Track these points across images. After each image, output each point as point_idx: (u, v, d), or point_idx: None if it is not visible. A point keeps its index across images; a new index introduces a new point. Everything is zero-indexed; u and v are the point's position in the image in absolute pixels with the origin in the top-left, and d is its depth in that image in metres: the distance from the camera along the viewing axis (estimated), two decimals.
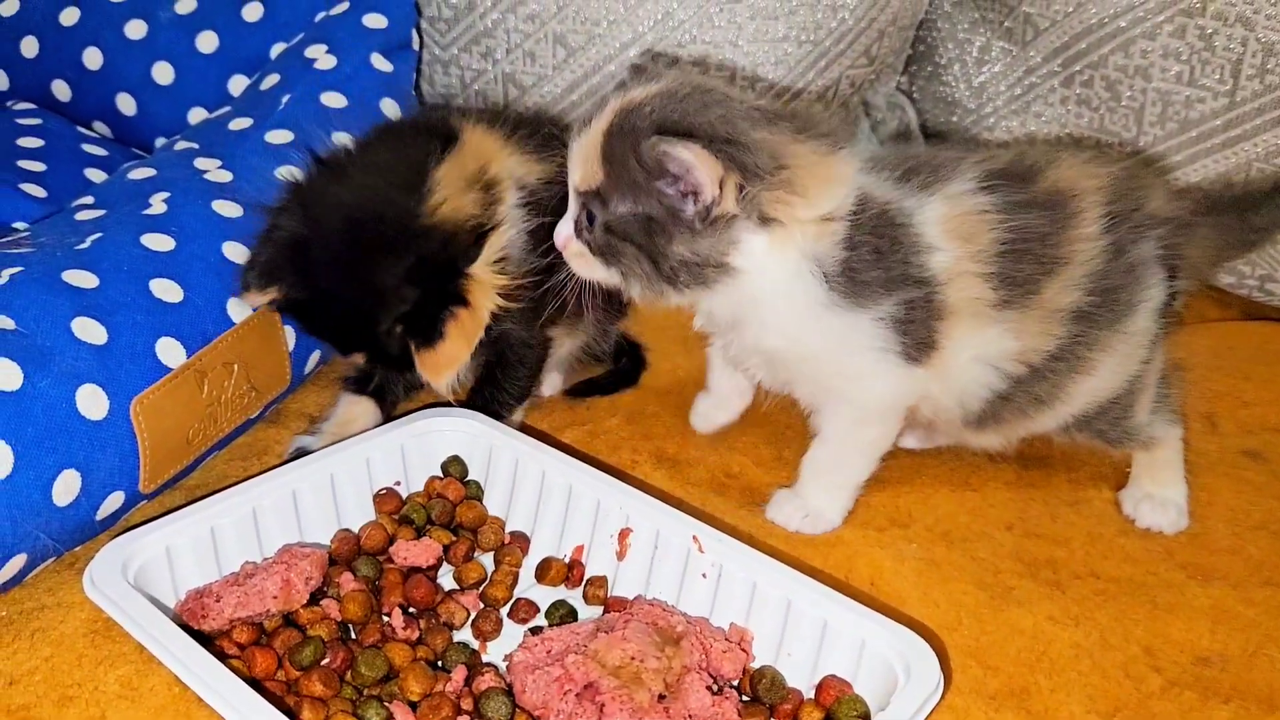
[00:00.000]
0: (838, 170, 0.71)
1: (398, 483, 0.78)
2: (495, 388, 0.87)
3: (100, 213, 0.77)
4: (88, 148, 0.98)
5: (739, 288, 0.72)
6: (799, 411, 0.95)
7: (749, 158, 0.68)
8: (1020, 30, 1.21)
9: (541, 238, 0.79)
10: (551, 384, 0.96)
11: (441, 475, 0.79)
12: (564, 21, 1.11)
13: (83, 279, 0.69)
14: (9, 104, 1.06)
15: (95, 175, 0.93)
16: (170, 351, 0.69)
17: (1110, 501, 0.88)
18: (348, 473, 0.75)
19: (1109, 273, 0.76)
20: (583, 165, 0.71)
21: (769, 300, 0.72)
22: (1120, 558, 0.81)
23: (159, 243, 0.74)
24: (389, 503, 0.76)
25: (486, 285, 0.74)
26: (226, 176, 0.83)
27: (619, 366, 1.01)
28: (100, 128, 1.07)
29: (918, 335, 0.73)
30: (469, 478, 0.80)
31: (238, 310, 0.75)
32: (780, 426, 0.95)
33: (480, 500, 0.79)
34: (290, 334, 0.79)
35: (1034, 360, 0.76)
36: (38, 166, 0.91)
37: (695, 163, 0.66)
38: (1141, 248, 0.78)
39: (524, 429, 0.90)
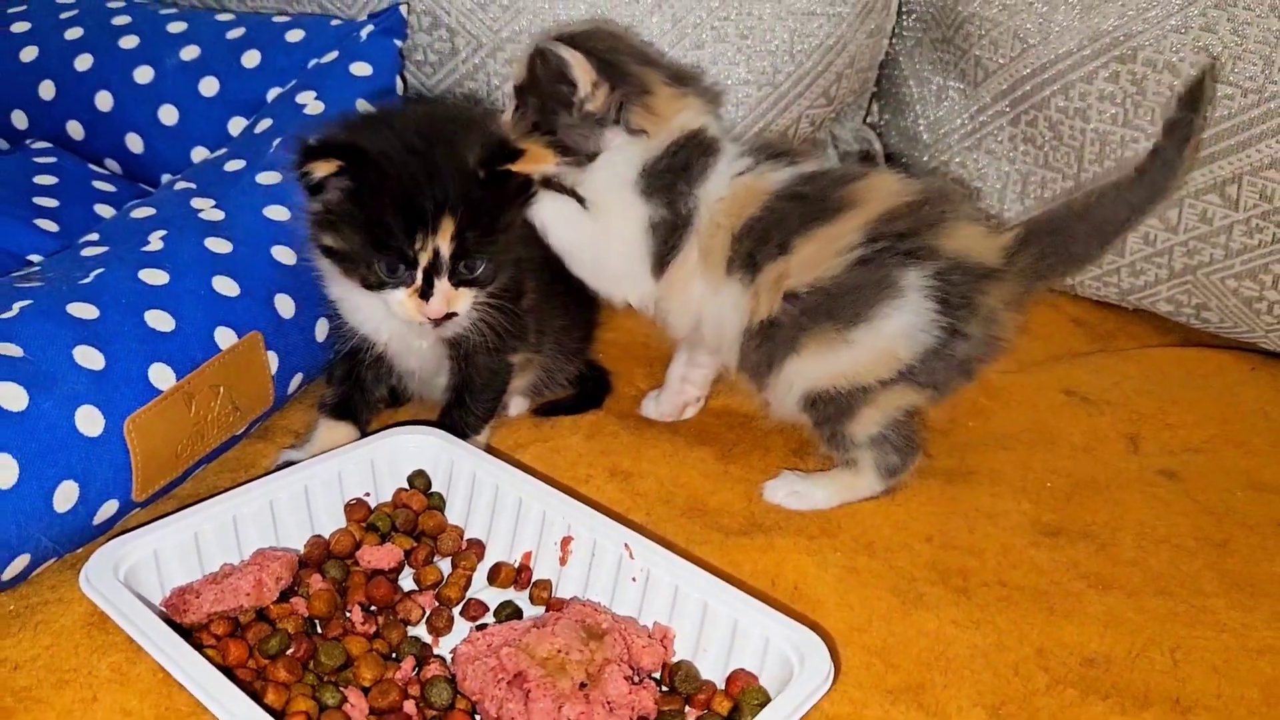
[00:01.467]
0: (686, 106, 0.94)
1: (367, 493, 0.86)
2: (463, 410, 0.95)
3: (104, 249, 0.85)
4: (98, 184, 1.07)
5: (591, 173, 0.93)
6: (748, 429, 1.04)
7: (619, 76, 0.92)
8: (972, 72, 1.28)
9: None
10: (518, 406, 1.04)
11: (408, 487, 0.88)
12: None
13: (85, 311, 0.77)
14: (28, 142, 1.15)
15: (104, 211, 1.02)
16: (161, 375, 0.77)
17: (1026, 514, 0.95)
18: (321, 484, 0.83)
19: (846, 281, 0.87)
20: (516, 69, 0.96)
21: (603, 180, 0.93)
22: (1028, 568, 0.89)
23: (155, 277, 0.83)
24: (358, 511, 0.85)
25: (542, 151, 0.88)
26: (219, 215, 0.91)
27: (583, 389, 1.09)
28: (111, 165, 1.16)
29: (659, 252, 0.93)
30: (432, 489, 0.88)
31: (224, 338, 0.83)
32: (728, 443, 1.03)
33: (441, 510, 0.87)
34: (274, 358, 0.88)
35: (753, 321, 0.90)
36: (51, 203, 1.00)
37: (573, 63, 0.90)
38: (905, 274, 0.86)
39: (490, 447, 0.98)
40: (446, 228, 0.81)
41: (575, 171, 0.94)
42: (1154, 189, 0.95)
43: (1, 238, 0.95)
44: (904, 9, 1.34)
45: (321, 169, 0.80)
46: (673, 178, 0.92)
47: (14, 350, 0.72)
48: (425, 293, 0.82)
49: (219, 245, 0.88)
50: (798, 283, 0.88)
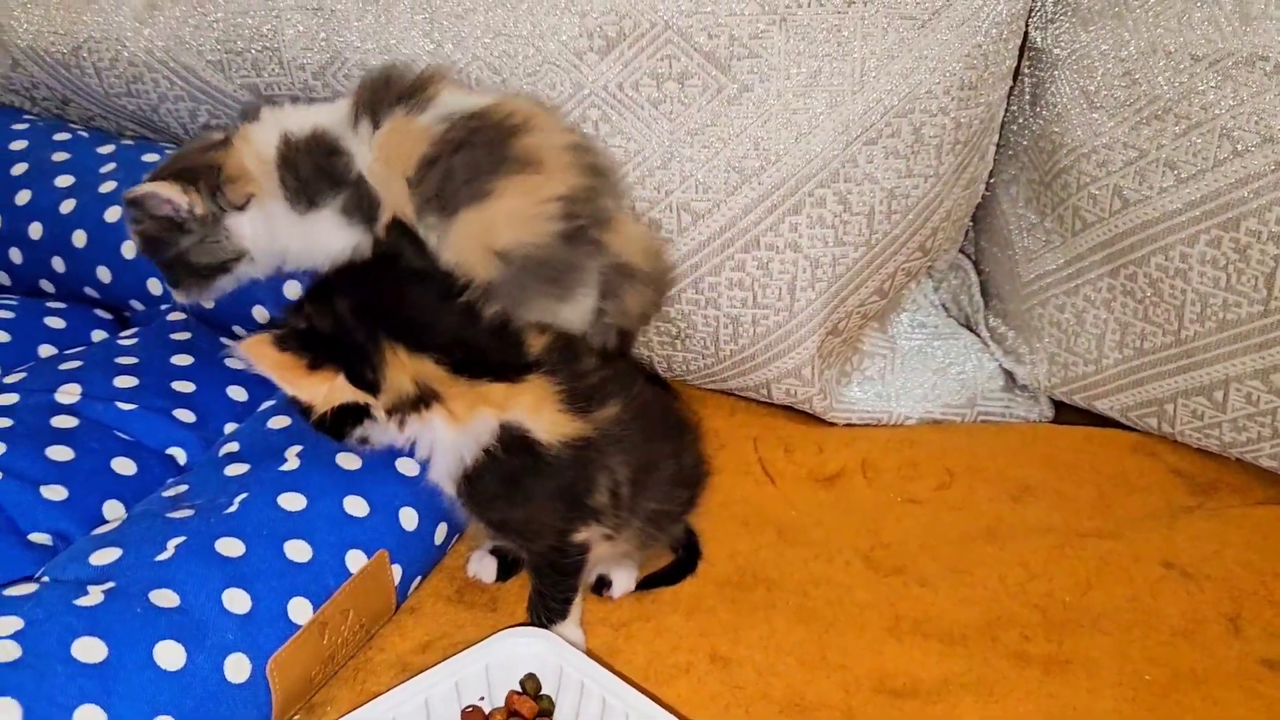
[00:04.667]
0: (254, 143, 1.03)
1: (482, 698, 0.92)
2: (540, 599, 0.99)
3: (245, 467, 0.92)
4: (230, 362, 1.14)
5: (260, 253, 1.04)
6: (844, 604, 1.07)
7: (190, 174, 1.01)
8: (1070, 219, 1.29)
9: None
10: (622, 585, 1.08)
11: (520, 689, 0.93)
12: (687, 191, 1.21)
13: (232, 547, 0.84)
14: (163, 309, 1.23)
15: (237, 393, 1.09)
16: (299, 610, 0.84)
17: (1124, 715, 0.96)
18: (440, 695, 0.89)
19: (558, 253, 0.97)
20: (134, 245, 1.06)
21: (274, 238, 1.03)
22: None
23: (293, 502, 0.89)
24: (473, 719, 0.90)
25: None
26: None
27: (678, 556, 1.12)
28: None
29: (370, 220, 1.00)
30: (543, 692, 0.93)
31: (354, 561, 0.89)
32: (825, 622, 1.06)
33: (550, 715, 0.92)
34: (397, 570, 0.94)
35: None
36: (188, 387, 1.07)
37: (155, 190, 1.00)
38: (591, 261, 1.00)
39: (583, 646, 1.02)
40: None
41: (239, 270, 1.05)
42: None
43: (145, 435, 1.02)
44: (1002, 144, 1.34)
45: None
46: (317, 176, 1.01)
47: (171, 599, 0.79)
48: None
49: (349, 462, 0.94)
50: (510, 242, 0.97)
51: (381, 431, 0.86)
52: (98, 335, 1.23)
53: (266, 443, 0.95)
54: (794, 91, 1.18)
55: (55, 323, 1.20)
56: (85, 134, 1.37)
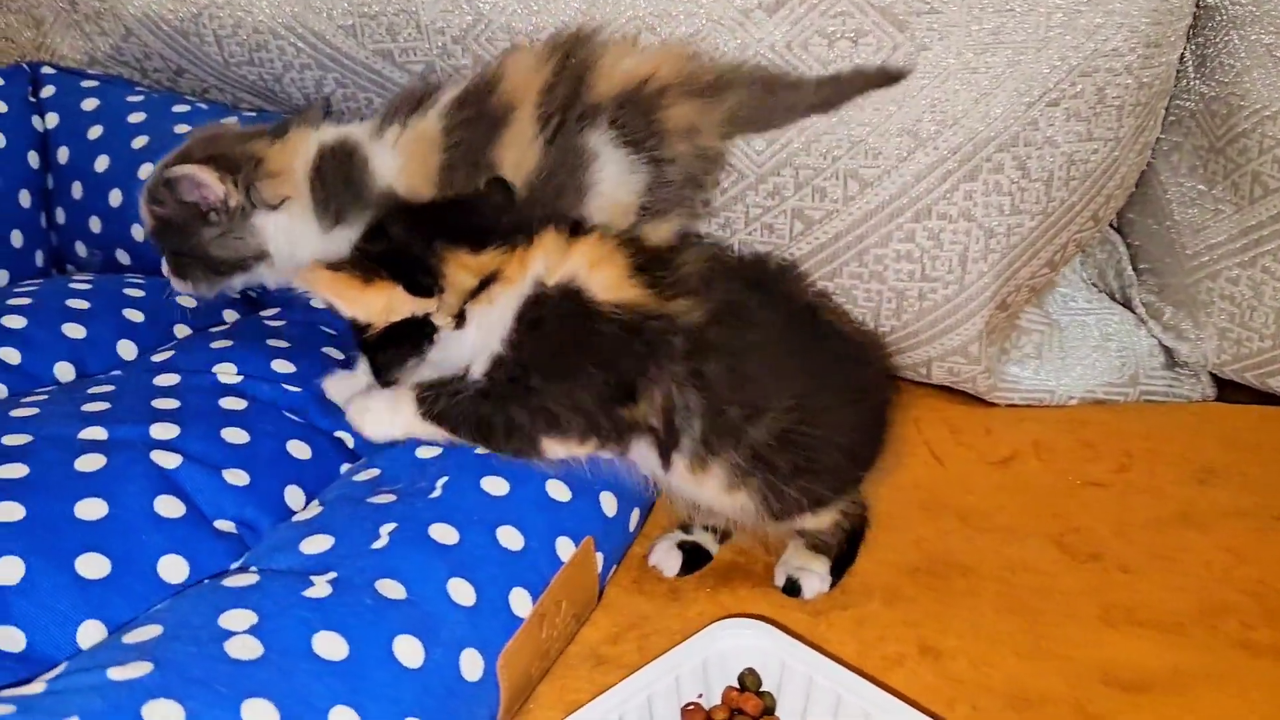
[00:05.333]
0: (298, 143, 0.96)
1: (700, 695, 0.85)
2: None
3: (436, 450, 0.86)
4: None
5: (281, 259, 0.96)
6: (1052, 595, 1.00)
7: (230, 163, 0.93)
8: (1247, 187, 1.22)
9: None
10: (812, 586, 1.00)
11: (739, 686, 0.86)
12: (855, 157, 1.15)
13: (446, 534, 0.78)
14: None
15: None
16: (520, 601, 0.77)
17: None
18: (661, 691, 0.82)
19: (549, 165, 0.91)
20: (143, 207, 0.97)
21: (296, 250, 0.95)
22: None
23: (496, 486, 0.83)
24: (695, 717, 0.84)
25: None
26: None
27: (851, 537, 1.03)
28: None
29: None
30: (763, 689, 0.87)
31: (564, 548, 0.83)
32: (1035, 612, 0.99)
33: (773, 712, 0.86)
34: (600, 559, 0.87)
35: None
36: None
37: (194, 173, 0.91)
38: (587, 138, 0.92)
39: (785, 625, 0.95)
40: None
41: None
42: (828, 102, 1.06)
43: (314, 416, 0.96)
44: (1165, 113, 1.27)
45: None
46: (344, 189, 0.94)
47: (398, 590, 0.72)
48: None
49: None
50: (522, 190, 0.91)
51: (432, 354, 0.83)
52: (230, 315, 1.17)
53: None
54: (974, 49, 1.11)
55: (187, 301, 1.13)
56: (204, 106, 1.31)
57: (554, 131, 0.92)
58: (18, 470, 0.79)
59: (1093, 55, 1.11)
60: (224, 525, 0.82)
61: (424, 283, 0.80)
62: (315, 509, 0.80)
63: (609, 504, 0.88)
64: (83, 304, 1.07)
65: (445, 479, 0.82)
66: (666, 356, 0.80)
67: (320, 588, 0.70)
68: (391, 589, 0.72)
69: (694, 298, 0.82)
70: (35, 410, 0.88)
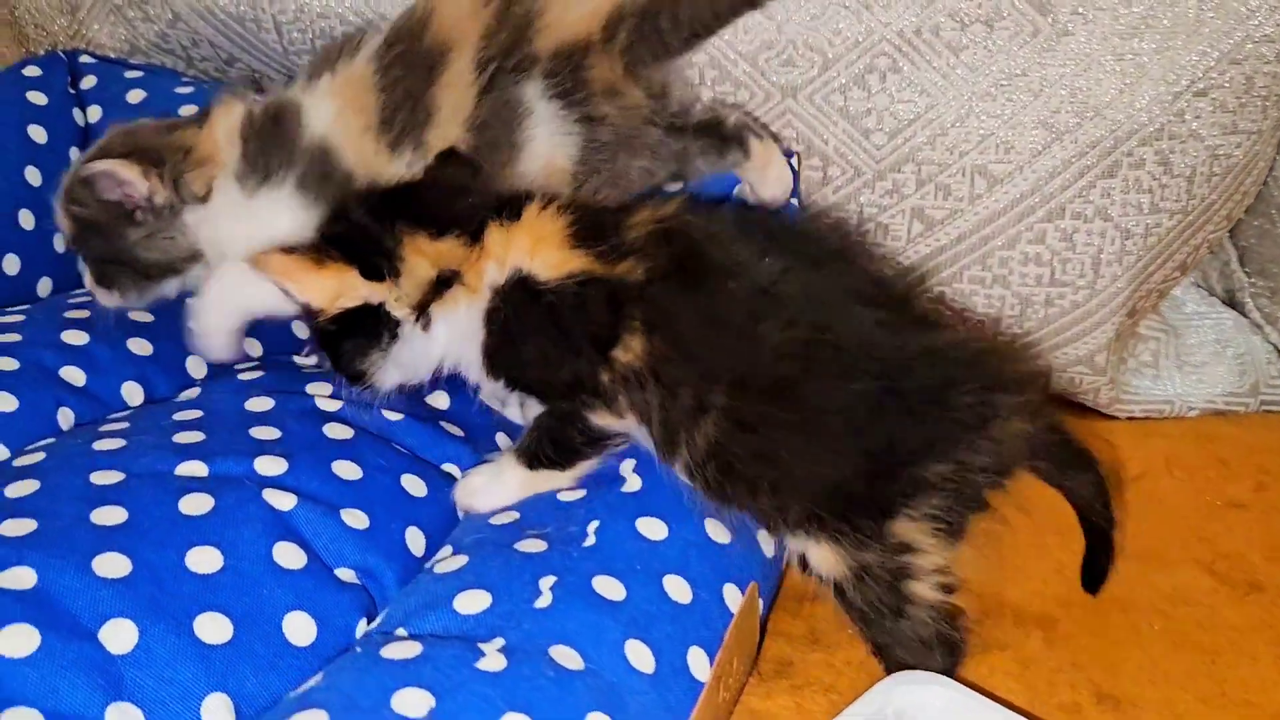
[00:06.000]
0: (222, 118, 0.88)
1: None
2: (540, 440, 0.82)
3: (580, 492, 0.77)
4: None
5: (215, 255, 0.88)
6: (1217, 630, 0.92)
7: (154, 155, 0.86)
8: None
9: None
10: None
11: None
12: (985, 152, 1.06)
13: (611, 588, 0.69)
14: None
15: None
16: (698, 662, 0.69)
17: None
18: None
19: (486, 116, 0.87)
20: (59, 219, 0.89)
21: (230, 238, 0.87)
22: None
23: (653, 530, 0.74)
24: None
25: None
26: None
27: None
28: None
29: (325, 190, 0.86)
30: None
31: (731, 597, 0.74)
32: (1209, 650, 0.91)
33: None
34: (761, 605, 0.78)
35: None
36: (443, 400, 0.92)
37: (115, 170, 0.83)
38: (524, 90, 0.87)
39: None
40: None
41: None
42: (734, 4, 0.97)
43: (420, 448, 0.87)
44: None
45: None
46: (271, 146, 0.87)
47: (574, 658, 0.63)
48: None
49: None
50: (461, 134, 0.87)
51: (398, 353, 0.78)
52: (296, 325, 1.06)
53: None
54: (1121, 34, 1.02)
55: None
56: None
57: (490, 79, 0.87)
58: (116, 515, 0.70)
59: (1243, 42, 1.03)
60: (345, 574, 0.73)
61: (377, 264, 0.75)
62: (459, 559, 0.71)
63: (766, 543, 0.79)
64: (146, 316, 0.97)
65: (597, 523, 0.73)
66: (624, 307, 0.74)
67: (493, 658, 0.61)
68: (568, 657, 0.63)
69: (636, 257, 0.75)
70: (121, 442, 0.78)
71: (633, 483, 0.78)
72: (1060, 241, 1.09)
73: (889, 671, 0.78)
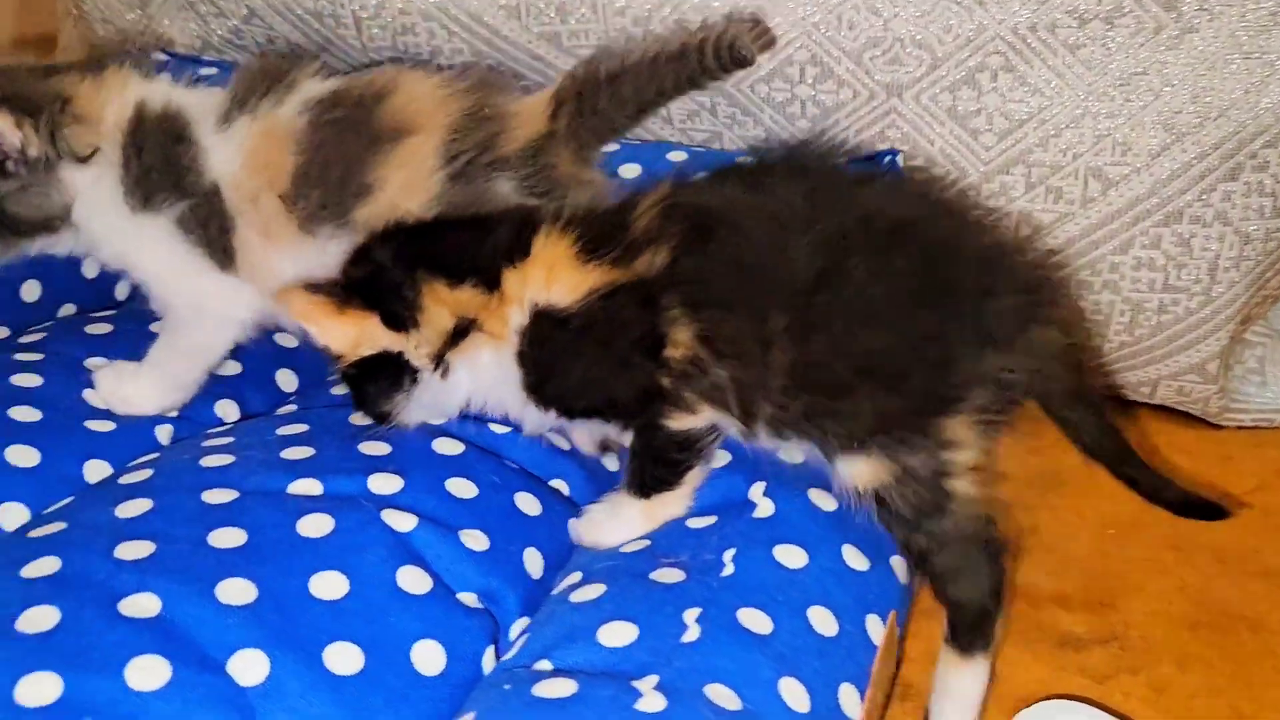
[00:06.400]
0: (115, 87, 0.81)
1: None
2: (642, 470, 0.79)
3: (712, 518, 0.74)
4: None
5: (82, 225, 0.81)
6: None
7: (30, 103, 0.78)
8: None
9: None
10: None
11: None
12: (1101, 153, 1.02)
13: (758, 621, 0.65)
14: None
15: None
16: (849, 699, 0.65)
17: None
18: None
19: (452, 199, 0.82)
20: None
21: (96, 220, 0.81)
22: None
23: (792, 557, 0.71)
24: None
25: None
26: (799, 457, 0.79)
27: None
28: None
29: (215, 242, 0.81)
30: None
31: (874, 629, 0.70)
32: None
33: None
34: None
35: None
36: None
37: None
38: (500, 185, 0.84)
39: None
40: None
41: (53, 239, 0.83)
42: (679, 81, 0.92)
43: (530, 464, 0.83)
44: None
45: None
46: (161, 171, 0.81)
47: (731, 698, 0.60)
48: None
49: (825, 500, 0.75)
50: (415, 209, 0.81)
51: (420, 395, 0.77)
52: None
53: (726, 482, 0.76)
54: (1250, 31, 0.97)
55: None
56: None
57: (461, 169, 0.83)
58: (234, 537, 0.67)
59: None
60: (468, 599, 0.70)
61: (398, 313, 0.74)
62: (595, 587, 0.68)
63: (900, 568, 0.76)
64: None
65: (733, 551, 0.70)
66: (659, 303, 0.73)
67: (651, 698, 0.57)
68: (724, 697, 0.60)
69: (653, 245, 0.74)
70: (229, 458, 0.75)
71: (764, 508, 0.74)
72: (1176, 246, 1.05)
73: (935, 585, 0.75)
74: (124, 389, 0.84)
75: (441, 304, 0.75)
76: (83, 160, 0.80)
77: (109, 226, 0.82)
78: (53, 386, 0.85)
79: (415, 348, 0.75)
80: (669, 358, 0.72)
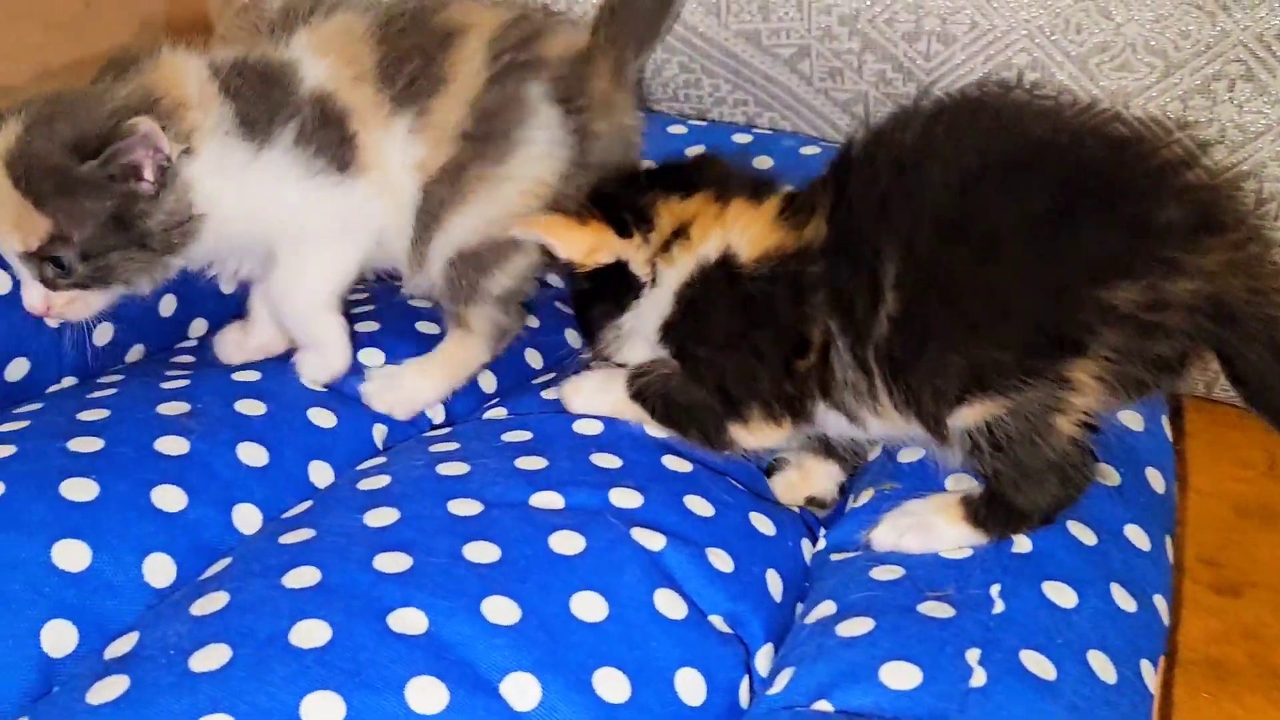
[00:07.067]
0: (183, 68, 0.78)
1: None
2: None
3: (968, 550, 0.70)
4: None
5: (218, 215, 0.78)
6: None
7: (130, 109, 0.73)
8: None
9: None
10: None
11: None
12: None
13: (1040, 666, 0.61)
14: None
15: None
16: None
17: None
18: None
19: (488, 105, 0.83)
20: (12, 227, 0.72)
21: (221, 189, 0.77)
22: None
23: (1062, 596, 0.67)
24: None
25: None
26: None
27: None
28: None
29: (331, 144, 0.81)
30: None
31: (1148, 675, 0.67)
32: None
33: None
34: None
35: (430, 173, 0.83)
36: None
37: (149, 126, 0.71)
38: (529, 89, 0.85)
39: None
40: None
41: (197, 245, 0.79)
42: None
43: (752, 480, 0.80)
44: None
45: None
46: (263, 99, 0.80)
47: None
48: None
49: (1084, 534, 0.72)
50: (463, 117, 0.83)
51: (634, 319, 0.81)
52: (570, 335, 1.02)
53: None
54: None
55: (531, 321, 0.99)
56: None
57: (501, 69, 0.84)
58: (489, 552, 0.66)
59: None
60: (718, 623, 0.68)
61: (626, 220, 0.79)
62: (862, 621, 0.65)
63: (1163, 609, 0.72)
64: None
65: (999, 587, 0.66)
66: (810, 289, 0.74)
67: None
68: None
69: (815, 213, 0.75)
70: (465, 466, 0.75)
71: (1021, 543, 0.71)
72: None
73: (993, 484, 0.71)
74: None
75: (671, 214, 0.79)
76: (187, 151, 0.76)
77: (234, 188, 0.78)
78: (268, 382, 0.84)
79: (637, 250, 0.79)
80: (797, 368, 0.75)
